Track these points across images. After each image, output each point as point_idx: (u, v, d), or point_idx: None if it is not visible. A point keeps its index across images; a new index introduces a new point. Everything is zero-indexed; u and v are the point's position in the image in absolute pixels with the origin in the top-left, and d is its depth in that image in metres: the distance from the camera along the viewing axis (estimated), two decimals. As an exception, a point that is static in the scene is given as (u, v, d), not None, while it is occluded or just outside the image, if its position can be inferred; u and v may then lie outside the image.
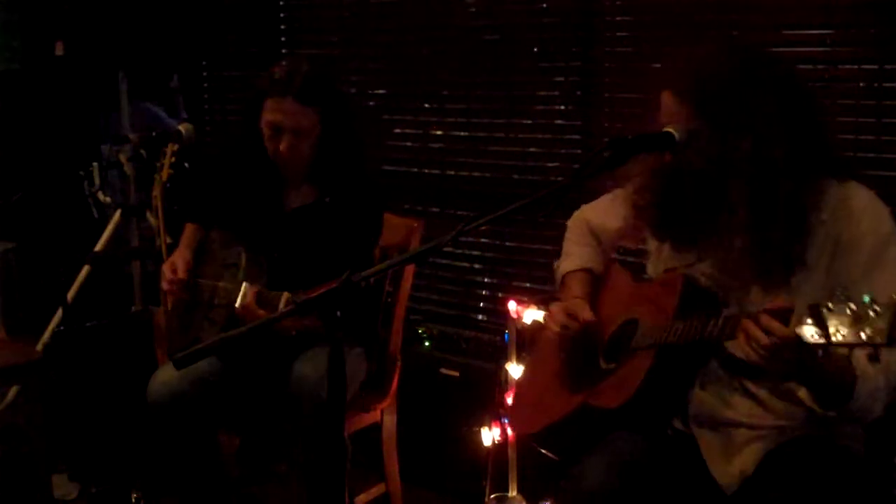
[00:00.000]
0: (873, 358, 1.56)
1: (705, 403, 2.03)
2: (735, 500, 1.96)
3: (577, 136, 3.50)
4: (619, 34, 3.38)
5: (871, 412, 1.84)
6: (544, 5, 3.55)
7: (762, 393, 1.99)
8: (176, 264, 2.76)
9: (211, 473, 2.80)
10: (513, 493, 3.04)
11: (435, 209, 3.84)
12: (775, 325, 1.68)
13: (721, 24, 3.12)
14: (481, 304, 3.80)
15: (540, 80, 3.56)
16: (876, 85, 2.88)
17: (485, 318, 3.76)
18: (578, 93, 3.48)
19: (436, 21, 3.78)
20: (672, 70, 2.03)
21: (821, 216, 1.92)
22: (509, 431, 2.99)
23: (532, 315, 2.96)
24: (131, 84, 4.40)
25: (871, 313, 1.53)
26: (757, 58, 1.99)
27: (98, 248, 3.83)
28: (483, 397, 3.17)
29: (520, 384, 2.69)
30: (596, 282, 2.35)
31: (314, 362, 2.59)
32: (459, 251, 3.79)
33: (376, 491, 3.03)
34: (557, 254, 2.46)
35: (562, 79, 3.52)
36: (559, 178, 3.52)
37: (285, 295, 2.53)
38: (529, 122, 3.61)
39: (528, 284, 3.62)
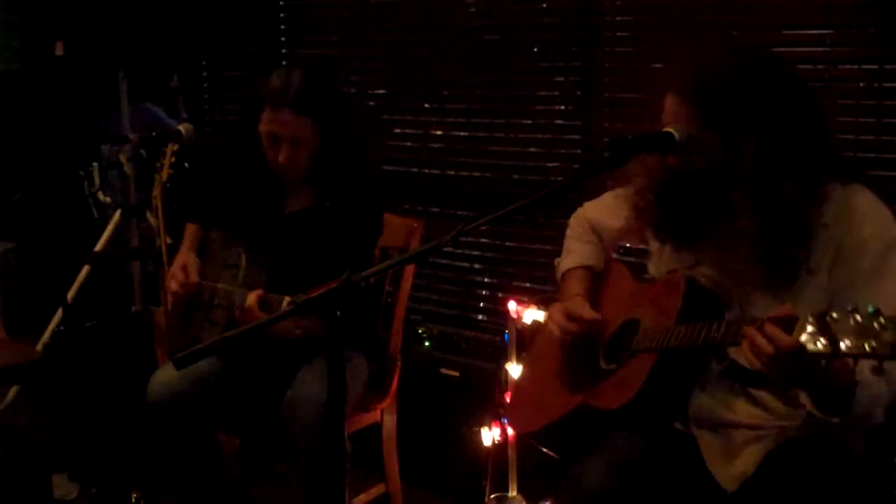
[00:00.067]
0: (877, 370, 1.55)
1: (705, 405, 2.03)
2: (735, 500, 1.96)
3: (577, 136, 3.50)
4: (619, 34, 3.38)
5: (871, 418, 1.83)
6: (544, 5, 3.55)
7: (762, 395, 1.98)
8: (187, 267, 2.76)
9: (211, 473, 2.80)
10: (513, 493, 3.04)
11: (435, 209, 3.84)
12: (780, 334, 1.66)
13: (721, 24, 3.12)
14: (481, 304, 3.80)
15: (540, 80, 3.56)
16: (876, 85, 2.88)
17: (485, 318, 3.76)
18: (578, 93, 3.48)
19: (436, 21, 3.78)
20: (674, 72, 2.02)
21: (824, 221, 1.91)
22: (509, 431, 2.99)
23: (532, 315, 2.96)
24: (131, 84, 4.40)
25: (876, 325, 1.52)
26: (759, 58, 1.98)
27: (98, 248, 3.83)
28: (483, 397, 3.17)
29: (519, 383, 2.68)
30: (596, 279, 2.35)
31: (313, 380, 2.60)
32: (459, 251, 3.79)
33: (376, 491, 3.03)
34: (557, 253, 2.46)
35: (562, 79, 3.52)
36: (559, 178, 3.52)
37: (286, 299, 2.53)
38: (529, 122, 3.61)
39: (528, 284, 3.62)
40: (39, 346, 3.71)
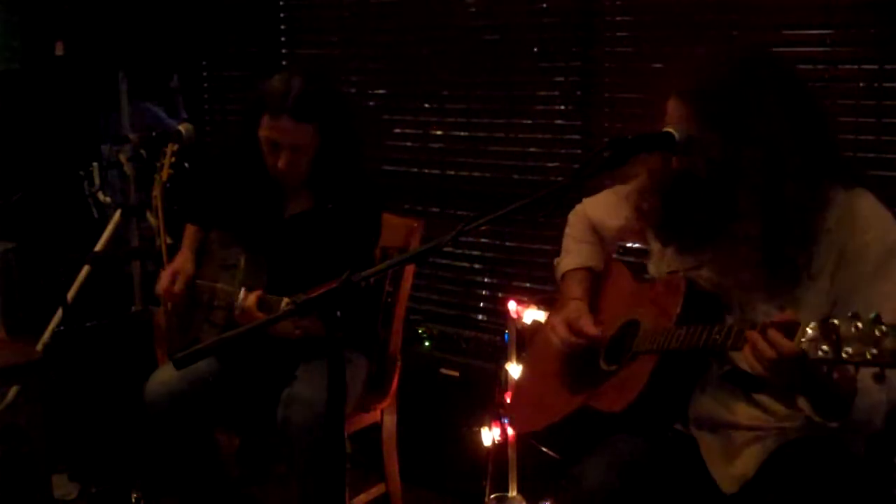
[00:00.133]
0: (879, 377, 1.55)
1: (705, 406, 2.03)
2: (735, 500, 1.96)
3: (577, 136, 3.50)
4: (619, 34, 3.37)
5: (870, 425, 1.83)
6: (544, 5, 3.55)
7: (762, 397, 1.98)
8: (177, 274, 2.75)
9: (210, 473, 2.80)
10: (513, 493, 3.04)
11: (435, 209, 3.84)
12: (782, 340, 1.66)
13: (721, 24, 3.12)
14: (481, 304, 3.80)
15: (540, 80, 3.56)
16: (876, 85, 2.88)
17: (485, 318, 3.76)
18: (578, 93, 3.48)
19: (436, 21, 3.78)
20: (675, 74, 2.02)
21: (827, 226, 1.90)
22: (509, 431, 2.99)
23: (532, 315, 2.96)
24: (131, 84, 4.40)
25: (877, 332, 1.52)
26: (759, 59, 1.97)
27: (98, 248, 3.83)
28: (483, 397, 3.17)
29: (519, 383, 2.68)
30: (596, 280, 2.35)
31: (311, 379, 2.60)
32: (459, 251, 3.79)
33: (376, 491, 3.03)
34: (557, 253, 2.46)
35: (562, 79, 3.52)
36: (559, 178, 3.52)
37: (286, 300, 2.53)
38: (529, 122, 3.61)
39: (528, 284, 3.62)
40: (39, 346, 3.71)
